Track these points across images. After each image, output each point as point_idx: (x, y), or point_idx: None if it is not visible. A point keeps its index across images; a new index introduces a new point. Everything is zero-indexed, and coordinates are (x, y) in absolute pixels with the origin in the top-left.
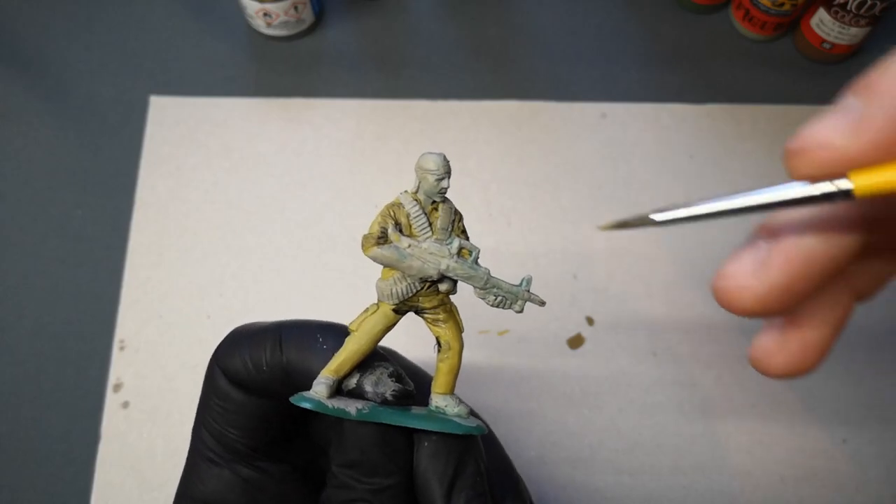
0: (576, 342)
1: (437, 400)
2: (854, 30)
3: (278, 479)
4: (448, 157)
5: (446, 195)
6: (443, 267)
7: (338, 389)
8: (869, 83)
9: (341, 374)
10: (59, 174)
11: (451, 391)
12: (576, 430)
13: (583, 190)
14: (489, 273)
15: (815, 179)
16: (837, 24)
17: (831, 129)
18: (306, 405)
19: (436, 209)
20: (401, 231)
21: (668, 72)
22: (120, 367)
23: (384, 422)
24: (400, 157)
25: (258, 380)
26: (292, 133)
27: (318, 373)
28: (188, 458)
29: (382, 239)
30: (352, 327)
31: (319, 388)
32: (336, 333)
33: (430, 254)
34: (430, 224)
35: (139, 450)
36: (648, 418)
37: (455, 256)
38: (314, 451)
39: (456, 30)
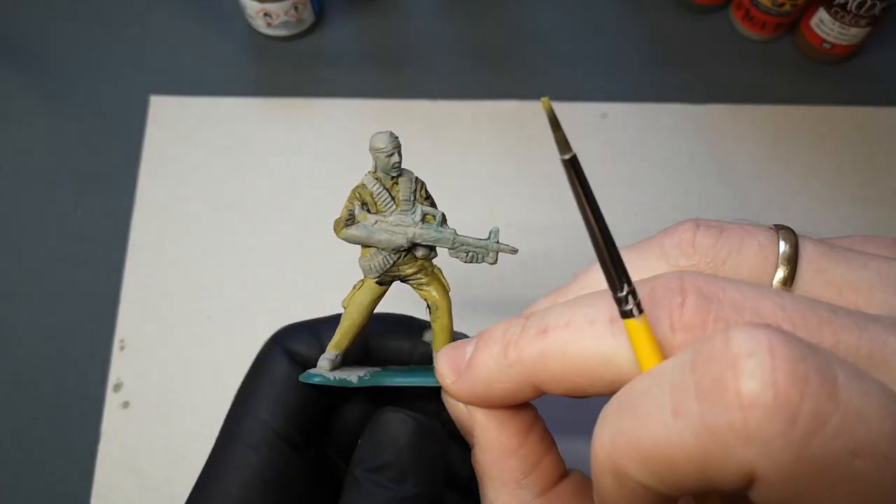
0: None
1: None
2: (854, 30)
3: (307, 470)
4: (447, 157)
5: (403, 167)
6: (410, 235)
7: (344, 362)
8: (474, 349)
9: (342, 348)
10: (59, 174)
11: None
12: (576, 430)
13: None
14: (455, 233)
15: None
16: (837, 24)
17: (447, 367)
18: (315, 380)
19: (396, 183)
20: (368, 210)
21: (668, 72)
22: (120, 367)
23: (385, 384)
24: None
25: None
26: (292, 133)
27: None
28: (220, 443)
29: (350, 220)
30: (344, 304)
31: (323, 364)
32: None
33: (395, 226)
34: (393, 198)
35: (139, 450)
36: None
37: (420, 223)
38: (340, 446)
39: (456, 30)
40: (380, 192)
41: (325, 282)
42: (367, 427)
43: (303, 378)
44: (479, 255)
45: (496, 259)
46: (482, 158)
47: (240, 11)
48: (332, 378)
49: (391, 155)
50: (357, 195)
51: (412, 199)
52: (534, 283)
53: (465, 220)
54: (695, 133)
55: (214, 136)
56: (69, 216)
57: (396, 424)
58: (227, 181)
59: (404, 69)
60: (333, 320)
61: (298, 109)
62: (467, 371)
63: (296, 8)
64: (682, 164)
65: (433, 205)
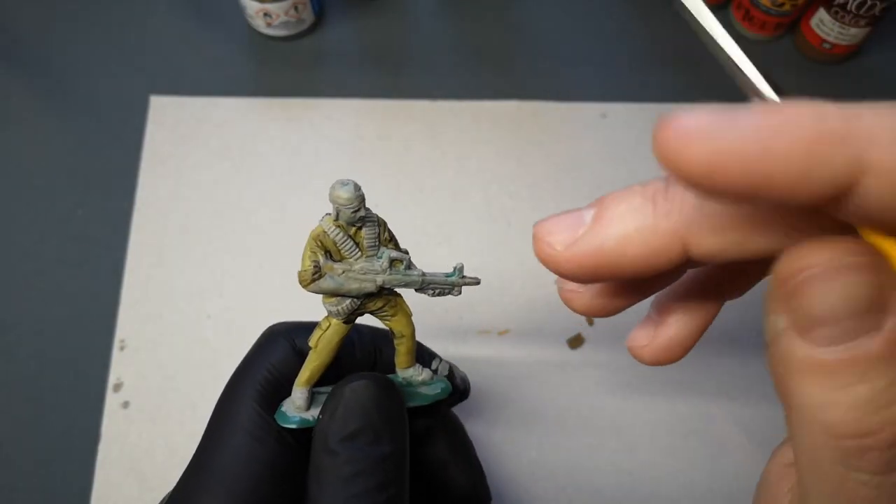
0: (576, 342)
1: (402, 374)
2: (854, 30)
3: (298, 458)
4: (447, 157)
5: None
6: (379, 282)
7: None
8: (601, 206)
9: (312, 383)
10: (59, 174)
11: (412, 364)
12: (576, 431)
13: (583, 190)
14: (423, 274)
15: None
16: (837, 24)
17: (558, 231)
18: (293, 425)
19: (360, 229)
20: (331, 257)
21: (668, 72)
22: (120, 367)
23: None
24: (400, 157)
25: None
26: (292, 133)
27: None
28: (213, 432)
29: (318, 273)
30: (311, 344)
31: (298, 403)
32: None
33: (363, 273)
34: (358, 244)
35: (139, 450)
36: (648, 418)
37: (388, 270)
38: None
39: (456, 30)
40: (343, 241)
41: None
42: (330, 401)
43: (280, 420)
44: (446, 291)
45: (461, 292)
46: (482, 158)
47: (240, 11)
48: (311, 419)
49: (357, 210)
50: (319, 243)
51: (377, 243)
52: (533, 282)
53: (465, 219)
54: None
55: (214, 136)
56: (69, 216)
57: (363, 391)
58: (227, 181)
59: (404, 69)
60: None
61: (298, 109)
62: (593, 228)
63: (296, 8)
64: None
65: (397, 244)
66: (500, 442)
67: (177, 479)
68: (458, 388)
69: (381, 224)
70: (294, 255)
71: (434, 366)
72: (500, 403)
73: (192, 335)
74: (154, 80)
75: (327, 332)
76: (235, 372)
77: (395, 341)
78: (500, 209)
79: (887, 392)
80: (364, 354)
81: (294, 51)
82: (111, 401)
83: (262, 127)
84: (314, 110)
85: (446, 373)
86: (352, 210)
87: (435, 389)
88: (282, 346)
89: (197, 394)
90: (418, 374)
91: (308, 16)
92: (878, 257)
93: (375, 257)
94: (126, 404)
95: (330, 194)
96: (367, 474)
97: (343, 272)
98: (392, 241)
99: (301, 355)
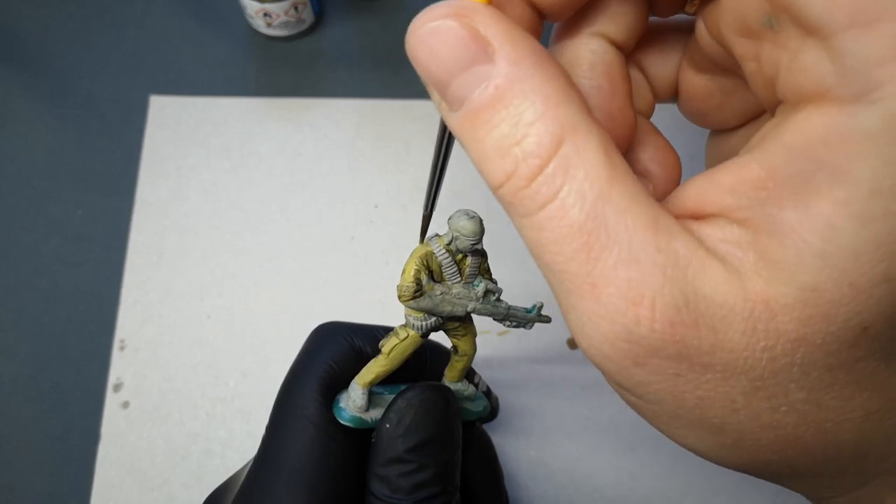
0: (576, 342)
1: (451, 385)
2: None
3: (358, 449)
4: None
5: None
6: (470, 308)
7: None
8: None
9: (372, 386)
10: (59, 174)
11: (461, 380)
12: (575, 431)
13: None
14: (509, 308)
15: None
16: None
17: None
18: (349, 423)
19: (465, 257)
20: (432, 277)
21: None
22: (120, 367)
23: None
24: (400, 157)
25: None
26: (292, 133)
27: None
28: (279, 426)
29: (419, 291)
30: (384, 351)
31: (360, 403)
32: None
33: (458, 298)
34: (460, 270)
35: (139, 450)
36: None
37: (481, 299)
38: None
39: None
40: (449, 265)
41: (325, 281)
42: (397, 409)
43: (337, 415)
44: (521, 324)
45: (533, 327)
46: None
47: (240, 11)
48: (370, 420)
49: (476, 243)
50: (424, 263)
51: (477, 272)
52: (534, 282)
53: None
54: (694, 132)
55: (214, 136)
56: (69, 216)
57: (432, 404)
58: (227, 181)
59: (404, 69)
60: (380, 330)
61: (298, 109)
62: None
63: (296, 8)
64: (682, 164)
65: (491, 275)
66: (501, 442)
67: (176, 480)
68: (490, 406)
69: (484, 255)
70: (294, 256)
71: (476, 380)
72: (500, 404)
73: (192, 335)
74: (154, 80)
75: (404, 342)
76: (294, 366)
77: (455, 357)
78: (499, 209)
79: (511, 134)
80: (416, 360)
81: (294, 51)
82: (111, 401)
83: (262, 127)
84: (314, 110)
85: (485, 388)
86: (472, 242)
87: (478, 407)
88: (339, 342)
89: (197, 394)
90: (465, 388)
91: (308, 16)
92: (476, 7)
93: (472, 285)
94: (126, 404)
95: (452, 223)
96: (434, 479)
97: (441, 294)
98: (488, 272)
99: (359, 354)
